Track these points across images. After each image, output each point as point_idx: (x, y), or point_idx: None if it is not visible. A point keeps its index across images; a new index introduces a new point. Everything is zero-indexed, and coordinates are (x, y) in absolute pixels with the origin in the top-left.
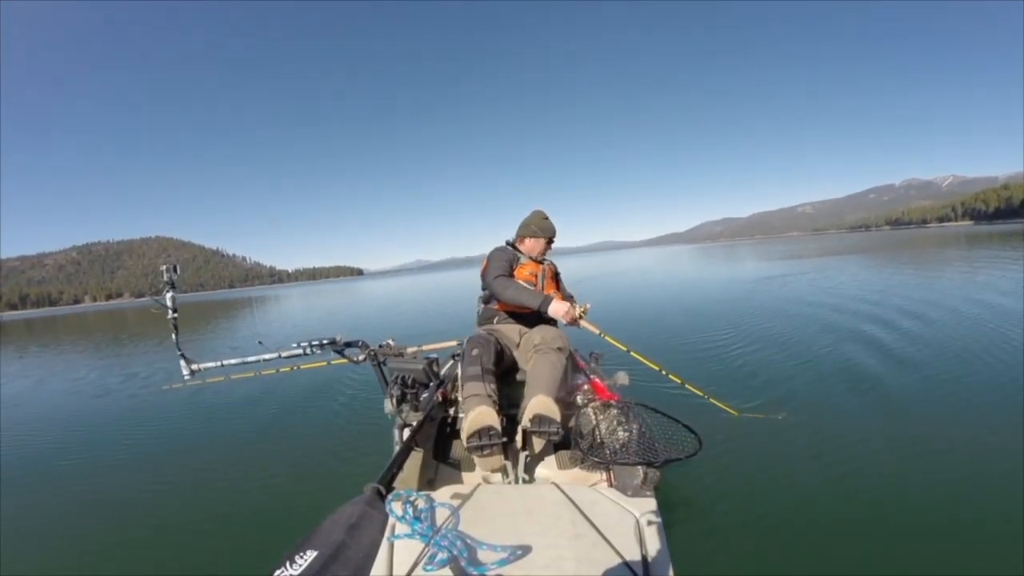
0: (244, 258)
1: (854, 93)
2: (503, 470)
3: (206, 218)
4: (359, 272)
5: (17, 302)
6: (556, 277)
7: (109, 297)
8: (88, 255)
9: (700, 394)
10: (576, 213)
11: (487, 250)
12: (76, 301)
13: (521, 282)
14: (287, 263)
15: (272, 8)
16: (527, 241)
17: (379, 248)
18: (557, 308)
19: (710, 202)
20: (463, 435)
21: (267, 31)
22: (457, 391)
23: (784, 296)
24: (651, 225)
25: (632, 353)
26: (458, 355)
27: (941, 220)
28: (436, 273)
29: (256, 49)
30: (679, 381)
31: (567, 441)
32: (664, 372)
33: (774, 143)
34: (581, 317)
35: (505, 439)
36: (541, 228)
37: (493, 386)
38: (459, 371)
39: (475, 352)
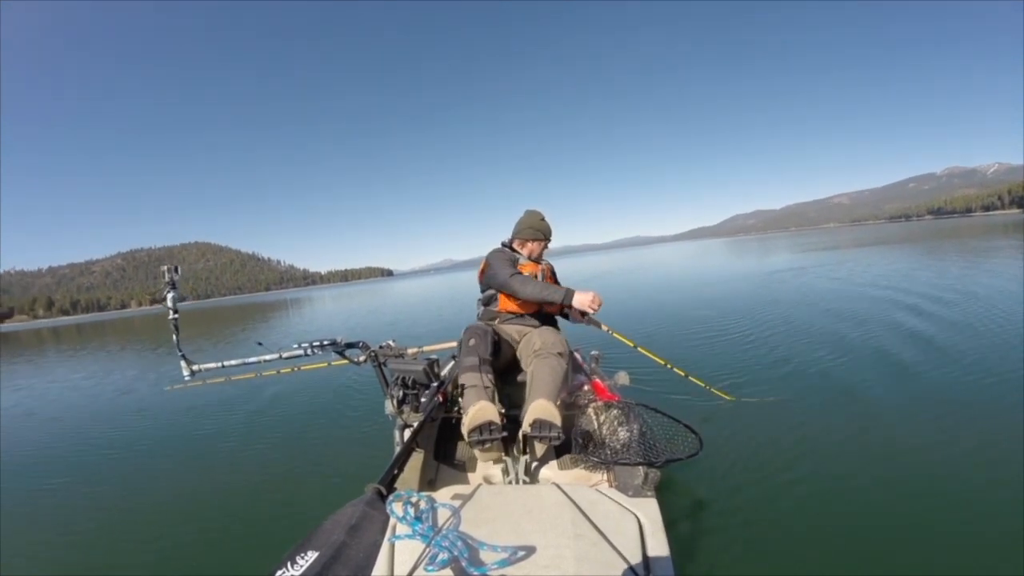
0: (279, 261)
1: (891, 80)
2: (503, 463)
3: (242, 222)
4: (389, 273)
5: (69, 307)
6: (553, 277)
7: (153, 302)
8: (132, 261)
9: (701, 384)
10: (603, 209)
11: None
12: (123, 306)
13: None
14: (320, 265)
15: (306, 8)
16: (525, 243)
17: (408, 248)
18: (582, 298)
19: (742, 194)
20: (464, 429)
21: (299, 32)
22: (457, 391)
23: (796, 287)
24: (681, 219)
25: (639, 348)
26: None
27: (987, 209)
28: (463, 272)
29: (288, 53)
30: (683, 374)
31: (568, 442)
32: (669, 366)
33: (808, 133)
34: (590, 314)
35: (505, 434)
36: (539, 229)
37: (490, 376)
38: (457, 361)
39: (472, 342)
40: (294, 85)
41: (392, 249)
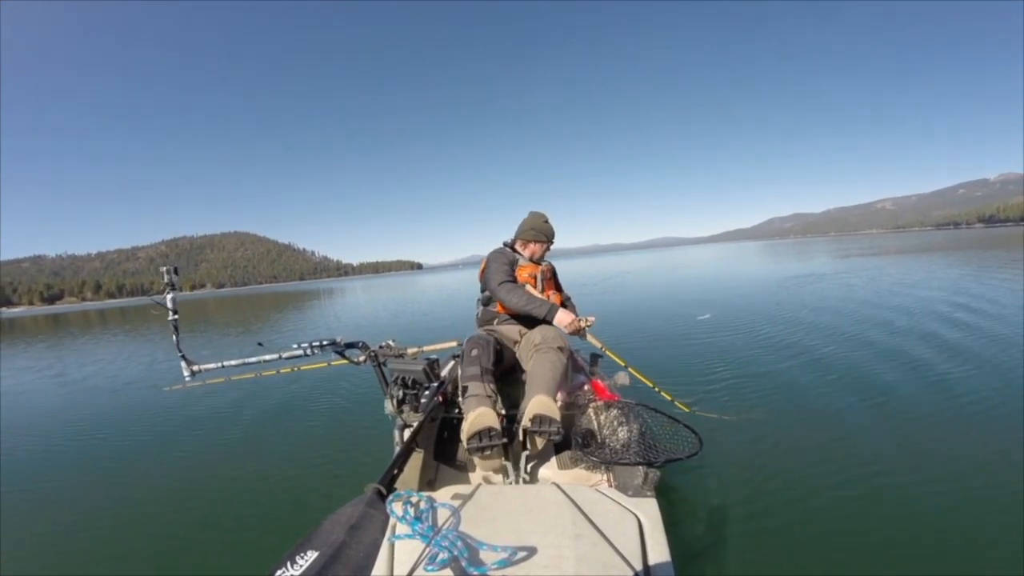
0: (313, 252)
1: (943, 80)
2: (503, 471)
3: (281, 214)
4: (418, 266)
5: (115, 291)
6: (554, 277)
7: (193, 288)
8: (175, 248)
9: (686, 410)
10: (636, 208)
11: None
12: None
13: (528, 288)
14: (352, 257)
15: (336, 8)
16: (527, 244)
17: (438, 243)
18: (562, 318)
19: (780, 197)
20: (463, 436)
21: (337, 31)
22: (457, 392)
23: (806, 294)
24: (715, 221)
25: (630, 369)
26: (458, 356)
27: None
28: None
29: (326, 52)
30: (669, 398)
31: (568, 441)
32: (657, 388)
33: (853, 134)
34: (585, 329)
35: (505, 440)
36: (541, 231)
37: (492, 386)
38: (459, 371)
39: (474, 352)
40: (335, 85)
41: (422, 244)
